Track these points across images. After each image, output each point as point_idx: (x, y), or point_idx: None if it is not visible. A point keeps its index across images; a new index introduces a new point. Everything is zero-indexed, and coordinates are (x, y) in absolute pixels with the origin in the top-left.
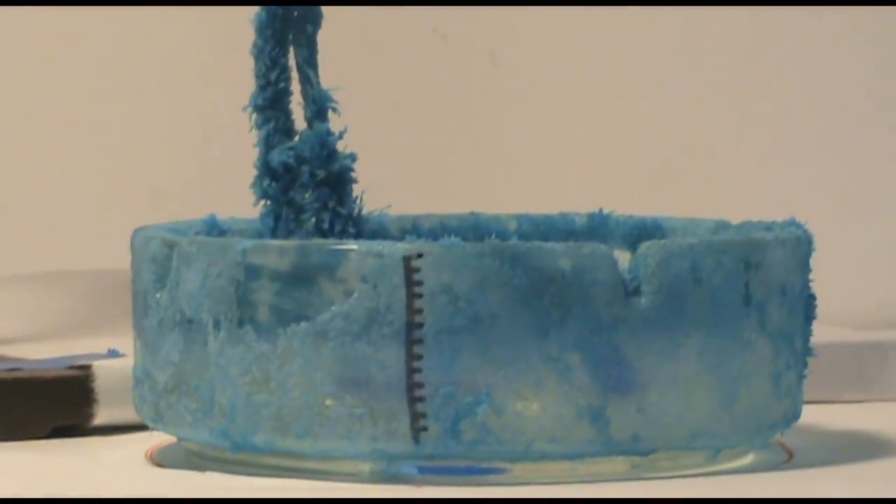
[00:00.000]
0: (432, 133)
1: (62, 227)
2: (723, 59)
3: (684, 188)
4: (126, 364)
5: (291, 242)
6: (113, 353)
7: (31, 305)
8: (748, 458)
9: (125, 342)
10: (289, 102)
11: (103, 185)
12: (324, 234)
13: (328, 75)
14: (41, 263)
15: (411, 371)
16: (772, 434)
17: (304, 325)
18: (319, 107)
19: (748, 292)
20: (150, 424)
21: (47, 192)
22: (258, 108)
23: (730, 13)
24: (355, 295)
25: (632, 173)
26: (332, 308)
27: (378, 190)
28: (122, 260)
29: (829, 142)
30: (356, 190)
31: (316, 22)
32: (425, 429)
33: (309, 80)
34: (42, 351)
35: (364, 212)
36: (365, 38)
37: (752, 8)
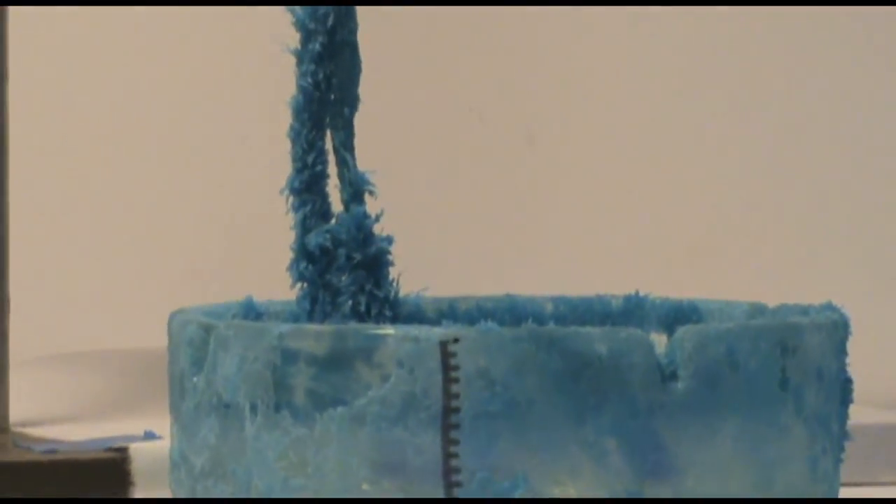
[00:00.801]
0: (469, 214)
1: (98, 307)
2: (760, 143)
3: (720, 269)
4: (162, 446)
5: (328, 327)
6: (149, 435)
7: (67, 385)
8: None
9: (161, 423)
10: (325, 185)
11: (141, 265)
12: (360, 316)
13: (365, 157)
14: (77, 343)
15: (448, 456)
16: None
17: (340, 409)
18: (356, 189)
19: (785, 377)
20: None
21: (85, 271)
22: (295, 191)
23: (766, 98)
24: (392, 379)
25: (668, 254)
26: (369, 393)
27: (414, 272)
28: (158, 339)
29: (864, 223)
30: (393, 272)
31: (353, 105)
32: None
33: (346, 163)
34: (78, 432)
35: (400, 294)
36: (402, 119)
37: (788, 95)
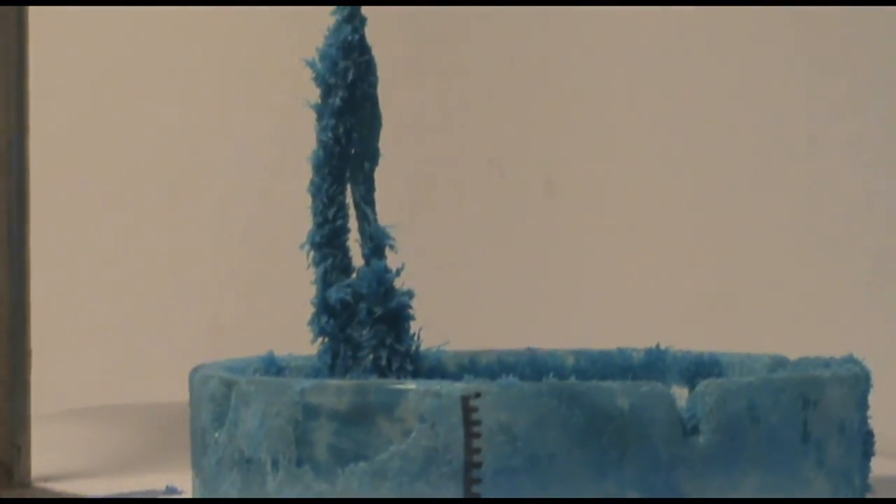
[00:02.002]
0: (489, 267)
1: (120, 361)
2: (782, 195)
3: (741, 321)
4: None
5: (349, 382)
6: (171, 490)
7: (86, 440)
8: None
9: (183, 478)
10: (346, 239)
11: (162, 320)
12: (381, 370)
13: (385, 212)
14: (99, 397)
15: None
16: None
17: (362, 464)
18: (377, 244)
19: (806, 430)
20: None
21: (107, 325)
22: (316, 245)
23: (787, 152)
24: (414, 434)
25: (688, 306)
26: (391, 448)
27: (435, 326)
28: (178, 394)
29: (885, 275)
30: (413, 326)
31: (373, 159)
32: None
33: (366, 217)
34: (99, 487)
35: (421, 348)
36: (422, 172)
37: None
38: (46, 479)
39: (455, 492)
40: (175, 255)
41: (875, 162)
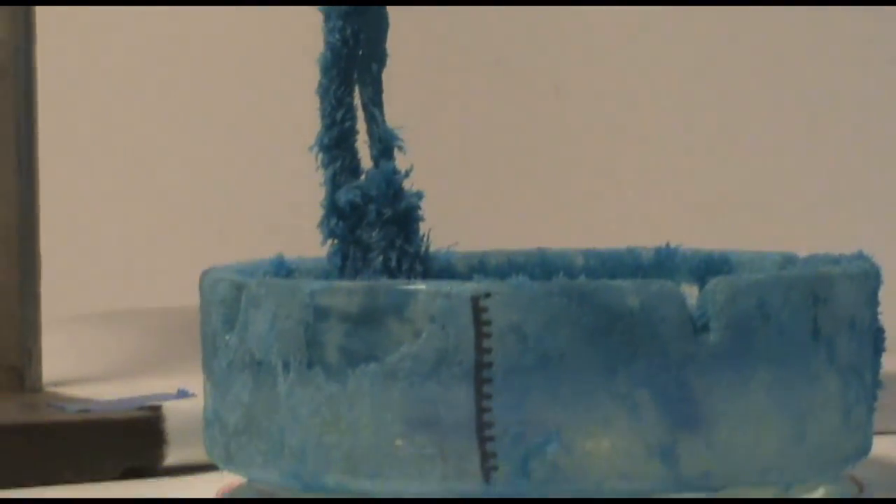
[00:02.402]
0: (498, 169)
1: (131, 266)
2: (790, 90)
3: (751, 219)
4: (196, 404)
5: (360, 284)
6: (182, 394)
7: (99, 344)
8: (819, 492)
9: (194, 381)
10: (355, 142)
11: (172, 224)
12: (391, 272)
13: (393, 113)
14: (109, 302)
15: (481, 411)
16: (843, 468)
17: (373, 365)
18: (385, 145)
19: (816, 327)
20: (221, 465)
21: (116, 230)
22: (324, 148)
23: (797, 42)
24: (424, 335)
25: (699, 205)
26: (401, 349)
27: (444, 227)
28: (190, 297)
29: (894, 171)
30: (423, 228)
31: (381, 61)
32: (495, 468)
33: (374, 119)
34: (112, 391)
35: (431, 250)
36: (430, 75)
37: (822, 35)
38: (57, 384)
39: (466, 392)
40: (186, 159)
41: (889, 54)
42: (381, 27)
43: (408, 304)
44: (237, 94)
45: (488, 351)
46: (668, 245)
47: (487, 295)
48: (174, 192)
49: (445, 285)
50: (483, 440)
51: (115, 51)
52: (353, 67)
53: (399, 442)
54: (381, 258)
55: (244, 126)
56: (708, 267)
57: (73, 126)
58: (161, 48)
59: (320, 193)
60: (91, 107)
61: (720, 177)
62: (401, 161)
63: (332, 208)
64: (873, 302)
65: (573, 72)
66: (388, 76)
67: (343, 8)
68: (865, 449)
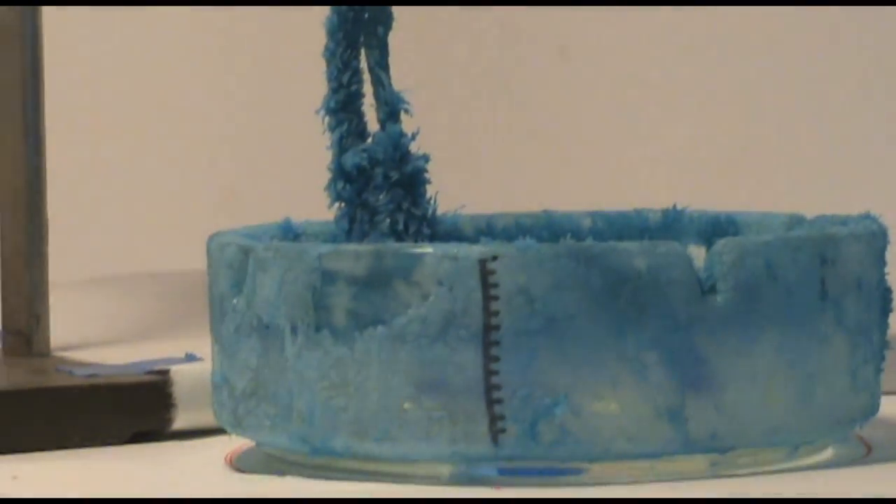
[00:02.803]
0: (504, 131)
1: (137, 229)
2: (796, 50)
3: (758, 180)
4: (204, 368)
5: (367, 247)
6: (190, 358)
7: (107, 309)
8: (827, 453)
9: (202, 345)
10: (361, 105)
11: (179, 188)
12: (398, 235)
13: (400, 77)
14: (116, 266)
15: (489, 373)
16: (850, 428)
17: (380, 328)
18: (392, 109)
19: (824, 288)
20: (229, 430)
21: (123, 194)
22: (331, 111)
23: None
24: (431, 298)
25: (705, 166)
26: (409, 311)
27: (451, 190)
28: (197, 261)
29: None
30: (430, 191)
31: (387, 23)
32: (503, 430)
33: (381, 83)
34: (119, 355)
35: (438, 212)
36: (436, 38)
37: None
38: (65, 349)
39: (473, 354)
40: (192, 122)
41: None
42: None
43: (415, 266)
44: (245, 58)
45: (496, 314)
46: (675, 207)
47: (494, 257)
48: (181, 155)
49: (452, 248)
50: (491, 402)
51: (122, 15)
52: (360, 30)
53: (407, 405)
54: (388, 221)
55: (251, 90)
56: (715, 228)
57: (80, 89)
58: (167, 14)
59: (327, 157)
60: (97, 70)
61: (727, 136)
62: (407, 124)
63: (339, 171)
64: (881, 262)
65: (579, 33)
66: (393, 39)
67: None
68: (873, 409)
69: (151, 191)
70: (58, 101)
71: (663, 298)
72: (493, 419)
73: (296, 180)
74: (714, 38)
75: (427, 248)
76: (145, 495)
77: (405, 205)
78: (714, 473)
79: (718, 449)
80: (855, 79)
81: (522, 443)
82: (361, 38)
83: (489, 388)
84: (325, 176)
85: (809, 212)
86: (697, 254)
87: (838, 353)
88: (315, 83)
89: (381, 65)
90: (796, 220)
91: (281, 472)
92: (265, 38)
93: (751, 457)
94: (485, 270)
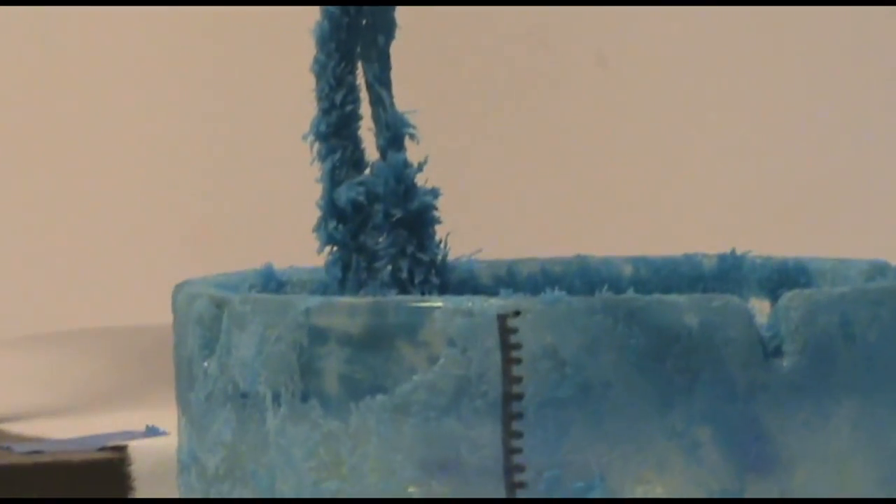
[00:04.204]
0: (528, 160)
1: (88, 277)
2: (870, 73)
3: (833, 221)
4: (168, 444)
5: (364, 300)
6: (152, 431)
7: (53, 371)
8: None
9: (166, 416)
10: (358, 129)
11: (140, 228)
12: (402, 285)
13: (404, 95)
14: (62, 321)
15: (510, 452)
16: None
17: (380, 398)
18: (394, 133)
19: None
20: None
21: (70, 236)
22: (321, 136)
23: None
24: (441, 361)
25: (770, 204)
26: (414, 377)
27: (465, 231)
28: (161, 315)
29: None
30: (440, 232)
31: (388, 31)
32: None
33: (381, 102)
34: (67, 428)
35: (450, 258)
36: (448, 47)
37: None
38: (3, 420)
39: (491, 429)
40: (156, 148)
41: None
42: None
43: (422, 323)
44: (219, 68)
45: (518, 380)
46: (733, 251)
47: (517, 313)
48: (142, 189)
49: (467, 301)
50: (513, 487)
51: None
52: (356, 40)
53: (412, 489)
54: (389, 269)
55: (226, 109)
56: (781, 277)
57: (17, 122)
58: (128, 32)
59: (316, 191)
60: (39, 100)
61: (797, 170)
62: (413, 152)
63: (331, 208)
64: None
65: (617, 40)
66: (397, 51)
67: None
68: None
69: (105, 230)
70: None
71: (719, 362)
72: None
73: (279, 219)
74: (785, 56)
75: (436, 302)
76: None
77: (410, 248)
78: None
79: None
80: None
81: None
82: (358, 49)
83: (510, 470)
84: (315, 214)
85: (894, 259)
86: (760, 308)
87: None
88: (303, 102)
89: (381, 81)
90: (878, 269)
91: None
92: (244, 45)
93: None
94: (505, 328)
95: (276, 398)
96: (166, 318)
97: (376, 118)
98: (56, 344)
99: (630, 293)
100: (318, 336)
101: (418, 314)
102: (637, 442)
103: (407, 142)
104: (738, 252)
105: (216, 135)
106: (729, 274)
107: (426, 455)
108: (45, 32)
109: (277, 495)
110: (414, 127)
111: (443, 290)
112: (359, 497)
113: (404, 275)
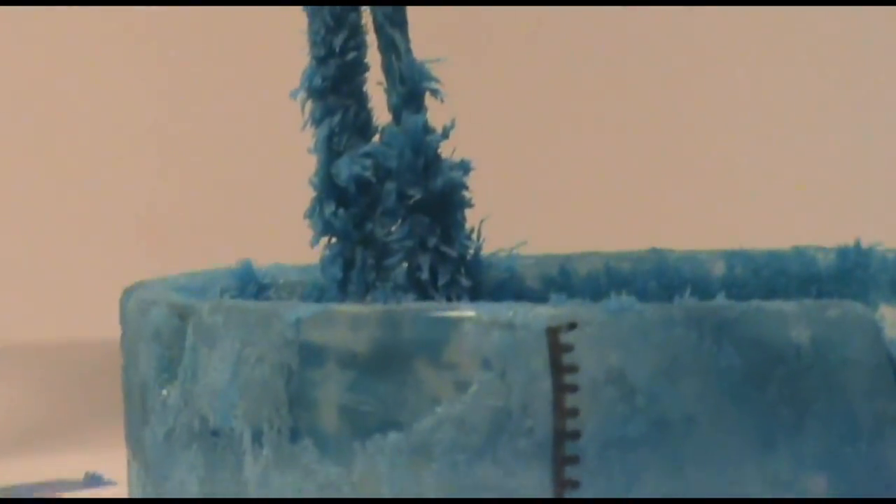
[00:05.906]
0: (586, 129)
1: (12, 277)
2: None
3: None
4: (114, 496)
5: (372, 308)
6: (94, 480)
7: None
8: None
9: (112, 459)
10: (363, 83)
11: (79, 217)
12: (422, 288)
13: (424, 45)
14: None
15: None
16: None
17: (393, 436)
18: (411, 89)
19: None
20: None
21: None
22: (316, 93)
23: None
24: (473, 389)
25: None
26: (438, 410)
27: (505, 217)
28: (106, 328)
29: None
30: (471, 218)
31: None
32: None
33: (394, 48)
34: None
35: (484, 252)
36: None
37: None
38: None
39: (540, 477)
40: (102, 118)
41: None
42: None
43: (448, 339)
44: (192, 29)
45: (574, 413)
46: (857, 244)
47: (572, 325)
48: (86, 168)
49: (507, 310)
50: None
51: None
52: None
53: None
54: (405, 266)
55: (193, 63)
56: None
57: None
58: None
59: (310, 165)
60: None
61: None
62: (436, 114)
63: (329, 188)
64: None
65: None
66: None
67: None
68: None
69: (30, 216)
70: None
71: (836, 390)
72: None
73: (259, 202)
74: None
75: (467, 311)
76: None
77: (432, 240)
78: None
79: None
80: None
81: None
82: None
83: None
84: (307, 195)
85: None
86: (891, 319)
87: None
88: (290, 56)
89: (393, 21)
90: None
91: None
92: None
93: None
94: (557, 346)
95: (258, 437)
96: (112, 331)
97: (387, 70)
98: None
99: (721, 299)
100: (312, 356)
101: (443, 327)
102: (729, 494)
103: (429, 100)
104: (864, 245)
105: (184, 102)
106: (851, 273)
107: None
108: None
109: None
110: (437, 80)
111: (475, 294)
112: None
113: (424, 275)
